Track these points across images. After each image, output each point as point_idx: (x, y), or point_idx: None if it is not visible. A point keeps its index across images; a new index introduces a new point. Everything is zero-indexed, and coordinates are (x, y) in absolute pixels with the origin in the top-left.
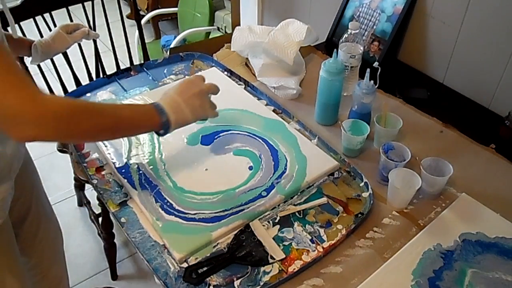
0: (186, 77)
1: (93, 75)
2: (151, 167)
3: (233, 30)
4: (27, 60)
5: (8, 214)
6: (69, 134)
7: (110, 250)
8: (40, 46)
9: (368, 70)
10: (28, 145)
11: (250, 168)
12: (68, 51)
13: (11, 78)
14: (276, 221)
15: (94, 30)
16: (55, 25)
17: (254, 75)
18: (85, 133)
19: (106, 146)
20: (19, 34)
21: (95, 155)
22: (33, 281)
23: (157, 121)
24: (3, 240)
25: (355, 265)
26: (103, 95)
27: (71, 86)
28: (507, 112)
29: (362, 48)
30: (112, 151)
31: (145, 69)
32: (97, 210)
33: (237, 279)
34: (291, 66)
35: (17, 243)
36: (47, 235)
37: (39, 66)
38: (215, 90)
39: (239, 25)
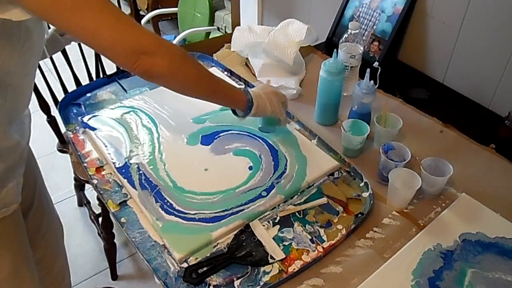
0: None
1: (93, 75)
2: (151, 167)
3: (233, 30)
4: None
5: None
6: (177, 73)
7: (110, 250)
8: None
9: (368, 70)
10: (29, 145)
11: (250, 168)
12: (68, 51)
13: (130, 19)
14: (276, 221)
15: None
16: None
17: (254, 75)
18: (190, 78)
19: (106, 146)
20: None
21: (95, 155)
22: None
23: (243, 98)
24: (18, 227)
25: (355, 265)
26: (103, 95)
27: (71, 86)
28: (507, 112)
29: (362, 48)
30: (112, 151)
31: None
32: (97, 210)
33: (237, 279)
34: (291, 66)
35: None
36: (50, 229)
37: (39, 66)
38: (284, 98)
39: (239, 25)
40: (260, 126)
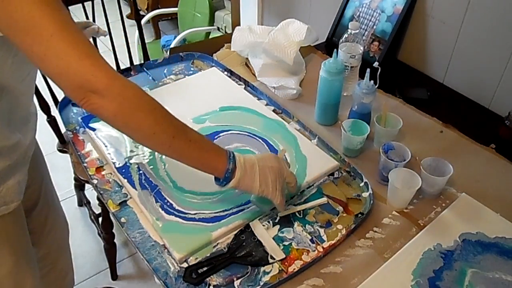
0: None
1: None
2: (151, 167)
3: (233, 30)
4: None
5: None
6: (133, 120)
7: (110, 250)
8: None
9: (368, 70)
10: None
11: None
12: None
13: (88, 50)
14: (276, 221)
15: None
16: None
17: (254, 75)
18: (143, 129)
19: (106, 146)
20: None
21: (95, 155)
22: (40, 273)
23: (221, 165)
24: (17, 224)
25: (355, 265)
26: None
27: None
28: (507, 112)
29: (362, 48)
30: (112, 151)
31: (145, 69)
32: (97, 210)
33: (237, 279)
34: (291, 66)
35: None
36: (55, 226)
37: None
38: (293, 181)
39: (239, 25)
40: (251, 197)
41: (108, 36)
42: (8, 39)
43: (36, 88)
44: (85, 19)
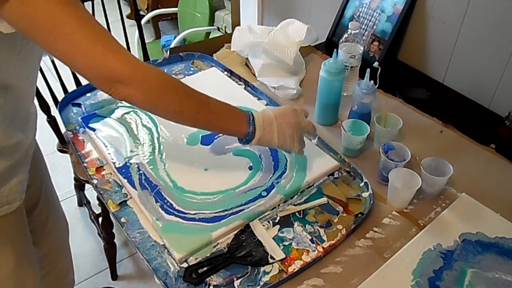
0: (289, 106)
1: None
2: (151, 167)
3: (233, 30)
4: None
5: None
6: (159, 103)
7: (110, 250)
8: None
9: (368, 70)
10: None
11: (250, 168)
12: None
13: (110, 42)
14: (276, 221)
15: None
16: None
17: (254, 75)
18: (172, 109)
19: (106, 146)
20: None
21: (95, 155)
22: (41, 273)
23: (242, 129)
24: (19, 224)
25: (355, 265)
26: (103, 95)
27: (71, 86)
28: (507, 112)
29: (362, 48)
30: (112, 151)
31: None
32: (97, 210)
33: (237, 279)
34: (291, 66)
35: None
36: (56, 226)
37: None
38: (311, 129)
39: (239, 25)
40: None
41: None
42: (29, 38)
43: (36, 88)
44: None
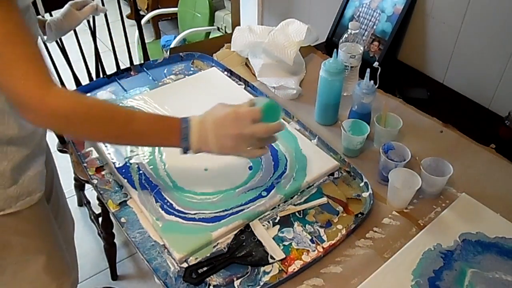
0: (238, 107)
1: (93, 75)
2: (151, 167)
3: (233, 30)
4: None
5: None
6: (69, 131)
7: (110, 250)
8: (53, 24)
9: (368, 70)
10: None
11: (250, 168)
12: (68, 51)
13: (29, 66)
14: (276, 221)
15: (94, 30)
16: None
17: (254, 75)
18: (85, 136)
19: (106, 146)
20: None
21: (95, 155)
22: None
23: (175, 144)
24: (46, 214)
25: (355, 265)
26: (103, 95)
27: (71, 86)
28: (507, 112)
29: (362, 48)
30: (112, 151)
31: (145, 69)
32: (97, 210)
33: (237, 279)
34: (291, 66)
35: None
36: (65, 220)
37: None
38: (264, 133)
39: (239, 25)
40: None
41: (108, 36)
42: None
43: None
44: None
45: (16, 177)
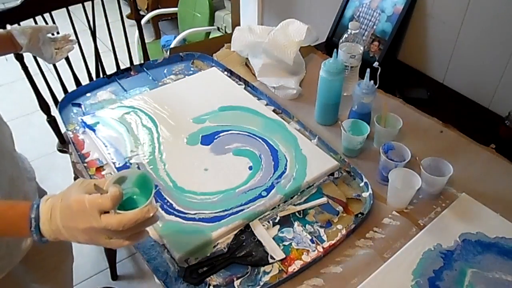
0: (90, 192)
1: (93, 75)
2: (151, 167)
3: (233, 30)
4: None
5: None
6: None
7: (110, 250)
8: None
9: (368, 70)
10: (29, 145)
11: (250, 168)
12: None
13: None
14: (276, 221)
15: (94, 30)
16: None
17: (254, 75)
18: None
19: (106, 146)
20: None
21: (95, 155)
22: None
23: (26, 236)
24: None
25: (355, 265)
26: (103, 95)
27: (71, 86)
28: (507, 112)
29: (362, 48)
30: (112, 151)
31: (145, 69)
32: None
33: (237, 279)
34: (291, 66)
35: None
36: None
37: (39, 66)
38: (116, 227)
39: (239, 25)
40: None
41: (108, 36)
42: None
43: (36, 88)
44: (84, 19)
45: None
